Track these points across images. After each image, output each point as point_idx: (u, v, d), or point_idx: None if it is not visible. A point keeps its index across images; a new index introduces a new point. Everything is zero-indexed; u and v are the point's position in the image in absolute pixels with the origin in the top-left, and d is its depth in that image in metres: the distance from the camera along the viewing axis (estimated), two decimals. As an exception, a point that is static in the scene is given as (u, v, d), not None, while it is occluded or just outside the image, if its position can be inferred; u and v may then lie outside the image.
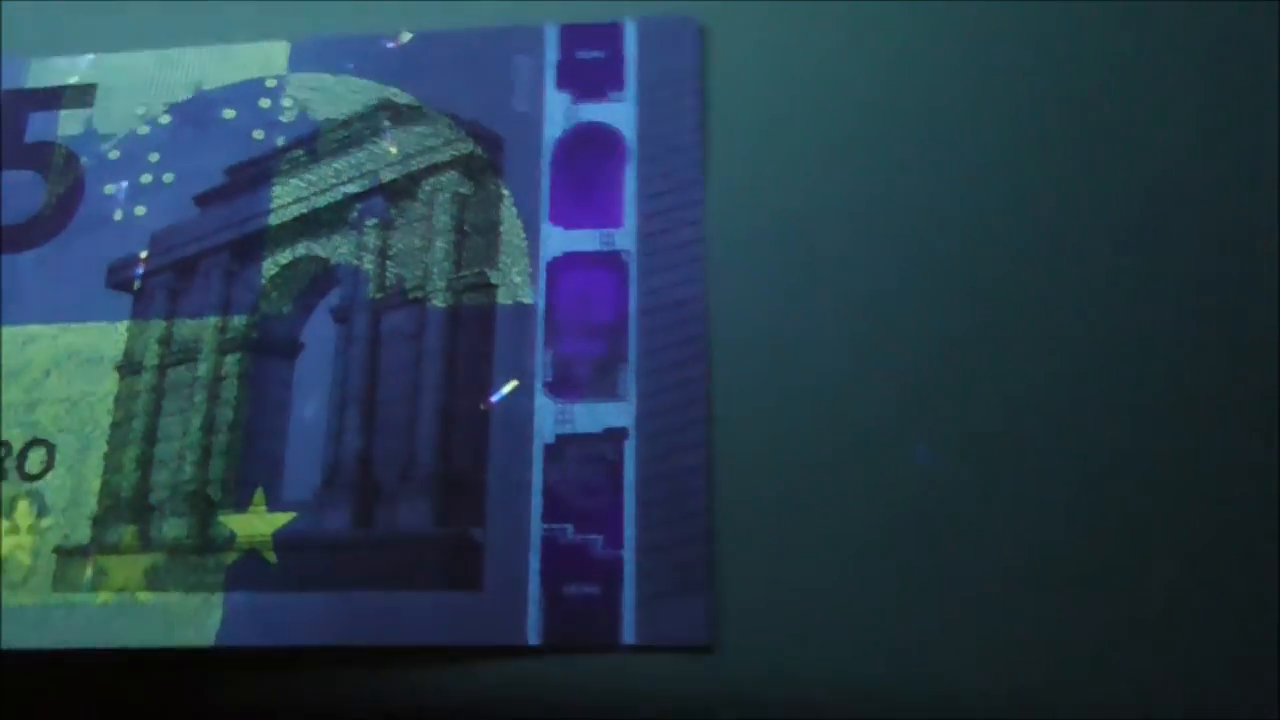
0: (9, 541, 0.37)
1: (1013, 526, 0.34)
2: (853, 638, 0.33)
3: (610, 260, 0.37)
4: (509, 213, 0.38)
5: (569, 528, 0.35)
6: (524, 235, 0.38)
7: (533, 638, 0.34)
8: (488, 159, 0.39)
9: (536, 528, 0.35)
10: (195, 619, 0.35)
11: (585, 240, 0.38)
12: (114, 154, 0.41)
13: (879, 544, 0.34)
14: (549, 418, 0.36)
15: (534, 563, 0.34)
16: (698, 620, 0.33)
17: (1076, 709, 0.32)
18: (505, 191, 0.39)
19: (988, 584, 0.33)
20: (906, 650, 0.33)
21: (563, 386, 0.36)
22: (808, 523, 0.34)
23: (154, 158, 0.41)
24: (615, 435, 0.35)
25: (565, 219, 0.38)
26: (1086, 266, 0.36)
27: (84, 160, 0.41)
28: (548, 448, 0.36)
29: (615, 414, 0.36)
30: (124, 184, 0.41)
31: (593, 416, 0.36)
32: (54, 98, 0.42)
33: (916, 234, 0.37)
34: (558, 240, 0.38)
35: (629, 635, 0.33)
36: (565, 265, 0.38)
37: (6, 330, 0.39)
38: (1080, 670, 0.32)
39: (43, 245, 0.40)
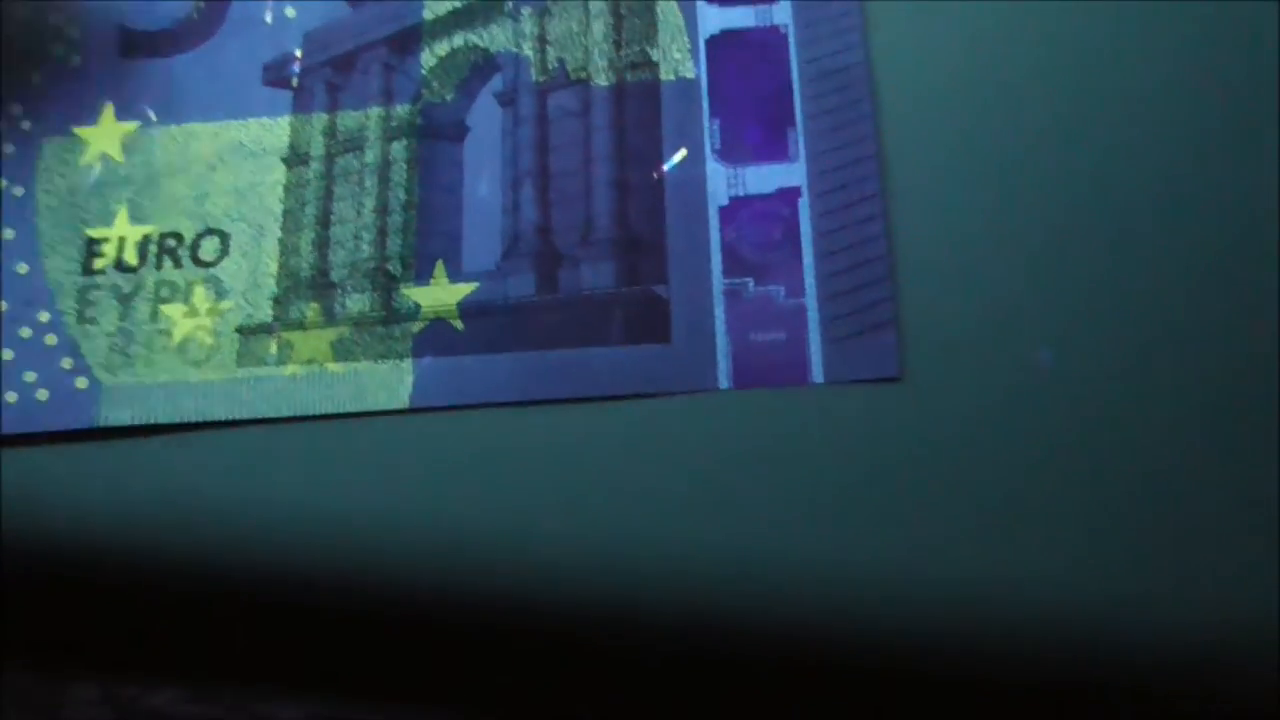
0: (189, 324, 0.38)
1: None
2: (1027, 366, 0.34)
3: (768, 35, 0.39)
4: (663, -5, 0.39)
5: (749, 281, 0.36)
6: (680, 14, 0.39)
7: (723, 382, 0.35)
8: (637, -54, 0.40)
9: (718, 283, 0.36)
10: (387, 384, 0.36)
11: (741, 17, 0.39)
12: (259, -41, 0.42)
13: (1053, 272, 0.35)
14: (721, 181, 0.37)
15: (719, 314, 0.36)
16: (885, 353, 0.35)
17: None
18: (658, -25, 0.40)
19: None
20: (1076, 376, 0.34)
21: (732, 152, 0.37)
22: (985, 261, 0.35)
23: (300, -39, 0.42)
24: (788, 194, 0.37)
25: (720, -1, 0.39)
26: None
27: (229, -35, 0.42)
28: (722, 209, 0.37)
29: (786, 174, 0.37)
30: (272, -13, 0.41)
31: (763, 178, 0.37)
32: (190, -92, 0.43)
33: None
34: (714, 18, 0.39)
35: (817, 374, 0.35)
36: (723, 41, 0.39)
37: (168, 129, 0.40)
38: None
39: (195, 49, 0.41)
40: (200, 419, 0.36)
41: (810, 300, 0.35)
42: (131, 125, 0.40)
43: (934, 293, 0.35)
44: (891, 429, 0.34)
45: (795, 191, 0.37)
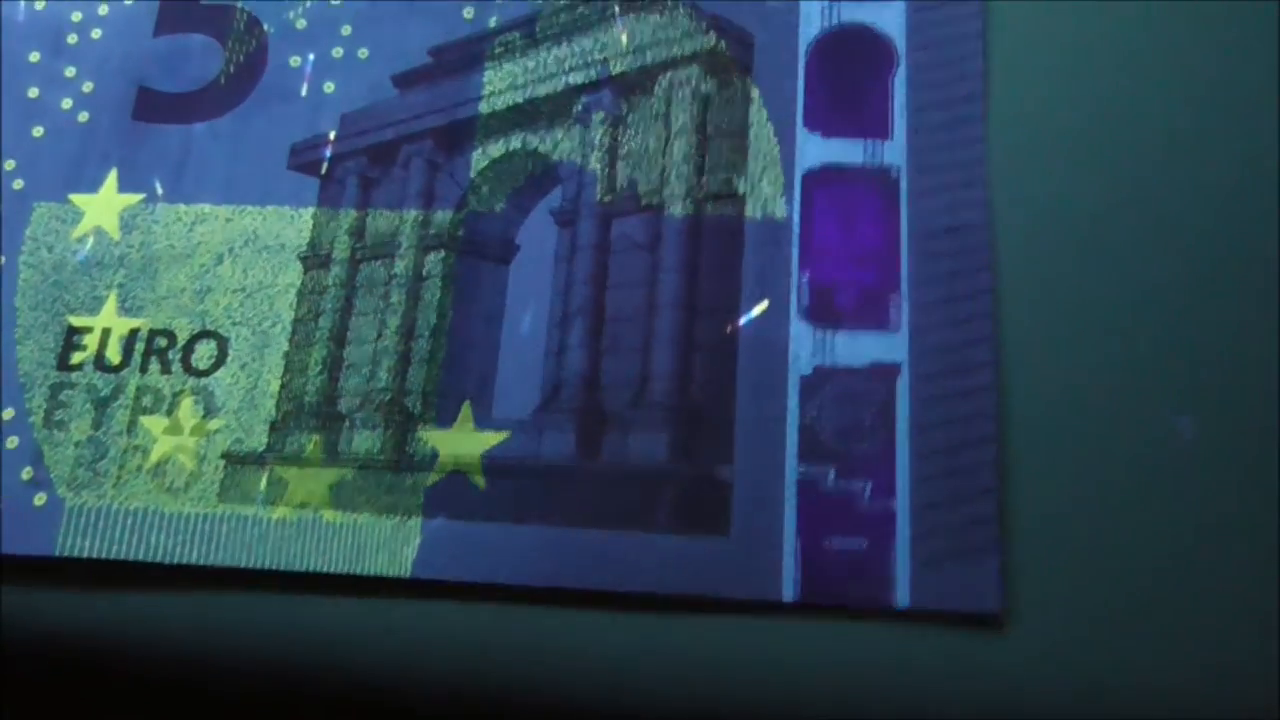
0: (169, 442, 0.32)
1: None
2: (1170, 617, 0.28)
3: (877, 176, 0.33)
4: (758, 116, 0.34)
5: (830, 471, 0.30)
6: (776, 142, 0.34)
7: (788, 593, 0.29)
8: (734, 56, 0.35)
9: (792, 469, 0.30)
10: (389, 544, 0.31)
11: (847, 151, 0.33)
12: (301, 23, 0.37)
13: (1203, 509, 0.29)
14: (806, 346, 0.31)
15: (789, 509, 0.30)
16: (986, 585, 0.29)
17: None
18: (755, 93, 0.34)
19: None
20: (1234, 641, 0.28)
21: (821, 312, 0.32)
22: (1115, 483, 0.30)
23: (346, 30, 0.36)
24: (885, 371, 0.31)
25: (824, 126, 0.34)
26: None
27: (267, 28, 0.37)
28: (804, 380, 0.31)
29: (884, 347, 0.31)
30: (311, 56, 0.36)
31: (857, 348, 0.31)
32: (232, -42, 0.38)
33: (1225, 164, 0.32)
34: (815, 150, 0.33)
35: (902, 598, 0.29)
36: (824, 179, 0.33)
37: (175, 208, 0.35)
38: None
39: (218, 118, 0.36)
40: (170, 560, 0.31)
41: (901, 505, 0.30)
42: (134, 198, 0.35)
43: (1049, 513, 0.29)
44: (987, 680, 0.28)
45: (894, 369, 0.31)
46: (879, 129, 0.33)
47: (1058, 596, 0.29)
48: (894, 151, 0.33)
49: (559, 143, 0.34)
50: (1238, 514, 0.29)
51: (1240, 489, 0.29)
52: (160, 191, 0.35)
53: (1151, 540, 0.29)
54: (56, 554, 0.31)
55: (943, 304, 0.31)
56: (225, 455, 0.32)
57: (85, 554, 0.31)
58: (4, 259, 0.35)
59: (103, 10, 0.38)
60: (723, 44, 0.35)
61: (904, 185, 0.33)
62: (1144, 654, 0.28)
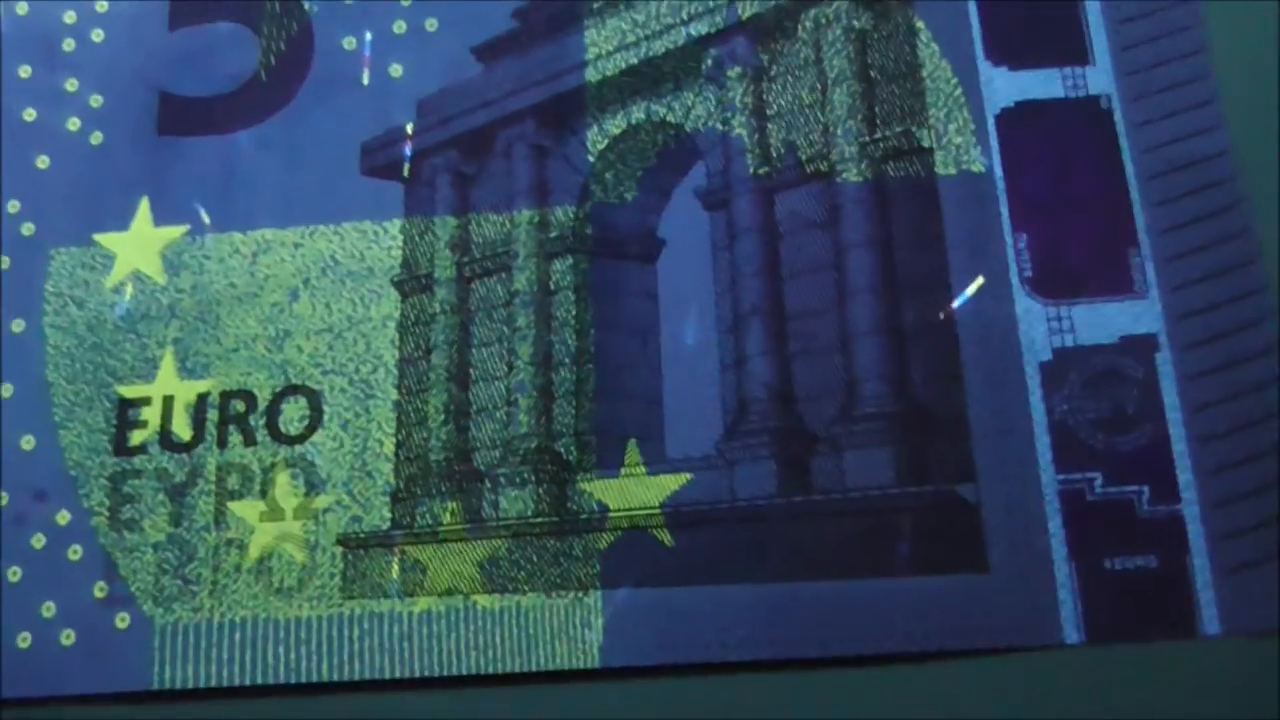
0: (270, 531, 0.26)
1: None
2: None
3: (1085, 109, 0.27)
4: (929, 51, 0.28)
5: (1096, 477, 0.25)
6: (955, 80, 0.28)
7: (1072, 633, 0.24)
8: (887, -20, 0.29)
9: (1050, 479, 0.25)
10: (566, 629, 0.25)
11: (1042, 83, 0.28)
12: (349, -5, 0.30)
13: None
14: (1039, 326, 0.26)
15: (1056, 528, 0.24)
16: (1317, 597, 0.24)
17: None
18: (919, 23, 0.28)
19: None
20: None
21: (1050, 281, 0.26)
22: None
23: (407, -1, 0.30)
24: (1140, 345, 0.25)
25: (1010, 56, 0.28)
26: None
27: (309, 5, 0.30)
28: (1044, 367, 0.26)
29: (1134, 316, 0.26)
30: (368, 35, 0.30)
31: (1101, 321, 0.26)
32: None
33: None
34: (1004, 85, 0.28)
35: (1209, 623, 0.24)
36: (1021, 119, 0.27)
37: (229, 238, 0.29)
38: None
39: (263, 122, 0.29)
40: (293, 680, 0.25)
41: (1189, 508, 0.24)
42: (176, 231, 0.29)
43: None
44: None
45: (1151, 342, 0.25)
46: (1077, 53, 0.28)
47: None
48: (1100, 77, 0.27)
49: (691, 108, 0.28)
50: None
51: None
52: (207, 220, 0.29)
53: None
54: (154, 687, 0.25)
55: (1195, 255, 0.26)
56: (342, 540, 0.26)
57: (188, 684, 0.25)
58: (23, 324, 0.28)
59: (101, 7, 0.31)
60: (871, -33, 0.29)
61: (1119, 116, 0.27)
62: None
